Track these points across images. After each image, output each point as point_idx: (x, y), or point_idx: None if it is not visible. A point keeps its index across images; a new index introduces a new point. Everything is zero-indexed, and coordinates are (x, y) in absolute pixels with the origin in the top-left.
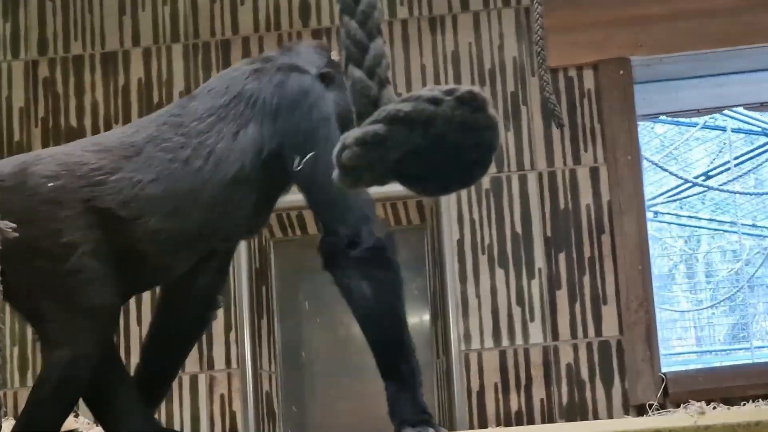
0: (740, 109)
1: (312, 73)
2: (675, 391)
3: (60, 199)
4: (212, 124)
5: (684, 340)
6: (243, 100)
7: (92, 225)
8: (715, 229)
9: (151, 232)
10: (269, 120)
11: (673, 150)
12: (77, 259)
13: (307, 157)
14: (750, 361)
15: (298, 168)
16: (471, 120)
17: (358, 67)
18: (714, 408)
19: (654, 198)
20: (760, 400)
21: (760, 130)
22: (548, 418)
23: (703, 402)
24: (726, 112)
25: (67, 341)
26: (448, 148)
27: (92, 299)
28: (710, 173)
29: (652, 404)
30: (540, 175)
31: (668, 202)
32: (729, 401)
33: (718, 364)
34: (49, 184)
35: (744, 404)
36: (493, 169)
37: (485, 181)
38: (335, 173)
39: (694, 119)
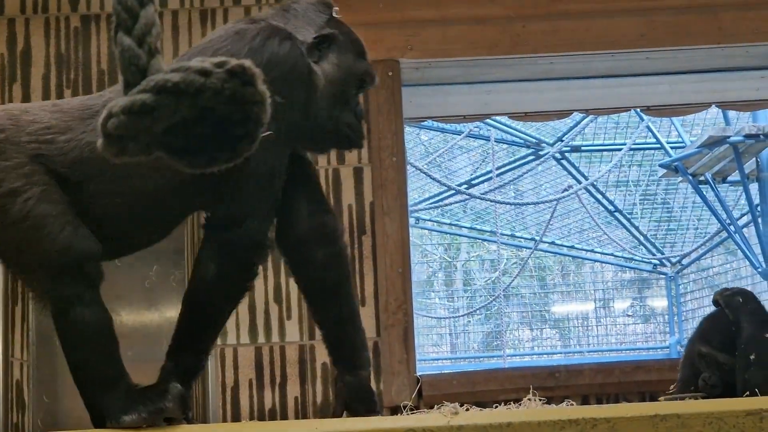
0: (504, 120)
1: (298, 38)
2: (429, 394)
3: (2, 150)
4: None
5: (440, 347)
6: None
7: (37, 174)
8: (475, 238)
9: (101, 195)
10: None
11: (437, 157)
12: (21, 206)
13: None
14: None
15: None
16: (240, 93)
17: (127, 35)
18: (467, 409)
19: (416, 204)
20: (512, 403)
21: (522, 141)
22: (302, 415)
23: (457, 403)
24: (490, 122)
25: (53, 290)
26: (215, 121)
27: (52, 241)
28: (473, 182)
29: (407, 405)
30: None
31: (430, 208)
32: (482, 404)
33: (471, 369)
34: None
35: (496, 407)
36: None
37: None
38: (99, 141)
39: (460, 127)
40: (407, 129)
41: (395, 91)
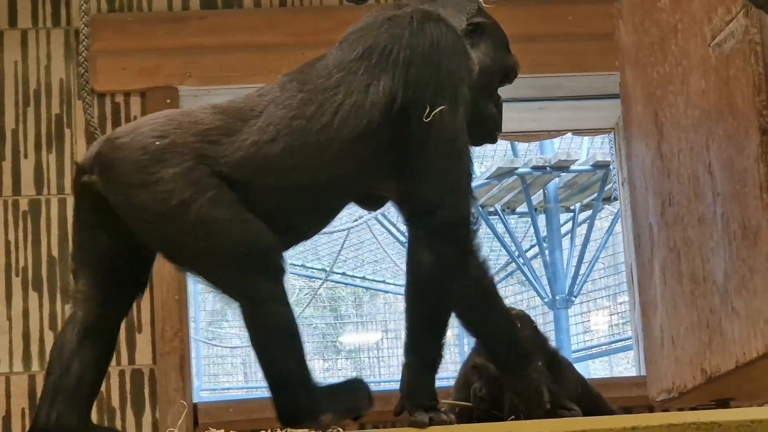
0: None
1: (450, 23)
2: (205, 422)
3: (166, 158)
4: (341, 80)
5: (233, 376)
6: (376, 52)
7: (205, 178)
8: None
9: (268, 191)
10: (402, 72)
11: None
12: (196, 214)
13: (437, 110)
14: None
15: (427, 120)
16: None
17: None
18: None
19: None
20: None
21: None
22: None
23: (222, 430)
24: None
25: (245, 292)
26: None
27: (234, 242)
28: None
29: None
30: None
31: None
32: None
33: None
34: (156, 143)
35: None
36: (32, 191)
37: (24, 204)
38: None
39: None
40: None
41: None
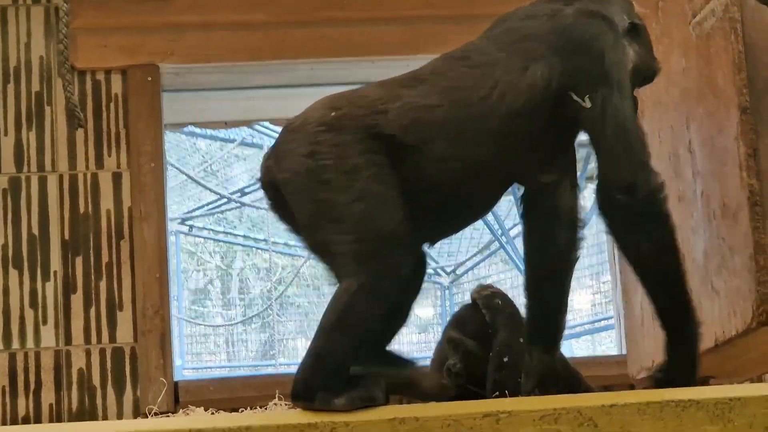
0: (276, 128)
1: (611, 20)
2: (186, 400)
3: (342, 125)
4: (499, 59)
5: (216, 355)
6: (535, 39)
7: (375, 150)
8: (249, 246)
9: (436, 158)
10: (559, 59)
11: (213, 165)
12: (362, 185)
13: (599, 97)
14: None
15: (589, 107)
16: None
17: None
18: (212, 413)
19: (191, 212)
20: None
21: None
22: (57, 423)
23: (202, 407)
24: (263, 130)
25: (355, 272)
26: None
27: (379, 225)
28: (246, 190)
29: (152, 409)
30: (61, 178)
31: (205, 215)
32: (237, 410)
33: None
34: (332, 114)
35: (242, 411)
36: (12, 168)
37: (3, 181)
38: None
39: (234, 135)
40: (183, 137)
41: (155, 96)
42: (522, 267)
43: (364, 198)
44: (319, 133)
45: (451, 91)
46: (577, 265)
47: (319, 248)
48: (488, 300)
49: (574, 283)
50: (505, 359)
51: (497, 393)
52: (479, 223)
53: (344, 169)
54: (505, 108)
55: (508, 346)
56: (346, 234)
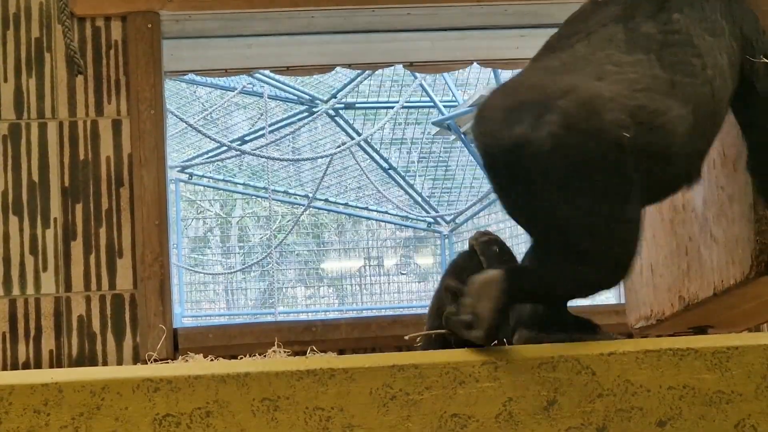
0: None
1: None
2: (186, 346)
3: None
4: (713, 43)
5: (216, 303)
6: (721, 23)
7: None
8: (248, 194)
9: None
10: (740, 37)
11: (213, 113)
12: (631, 206)
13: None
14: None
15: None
16: None
17: None
18: (211, 360)
19: (191, 160)
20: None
21: (295, 98)
22: (57, 368)
23: (201, 354)
24: (263, 78)
25: (606, 276)
26: None
27: (633, 249)
28: (246, 138)
29: (152, 356)
30: (61, 125)
31: (204, 163)
32: (236, 357)
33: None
34: (623, 133)
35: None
36: (12, 115)
37: (3, 128)
38: None
39: (234, 83)
40: (183, 85)
41: (154, 43)
42: None
43: (632, 220)
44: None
45: (695, 88)
46: None
47: (560, 237)
48: (485, 247)
49: None
50: None
51: (495, 342)
52: (479, 172)
53: (620, 188)
54: (723, 93)
55: None
56: (608, 245)
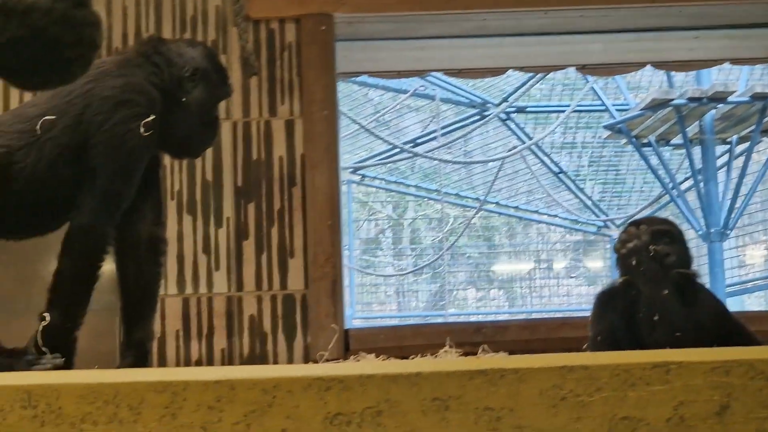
0: (451, 79)
1: None
2: (356, 347)
3: None
4: None
5: (386, 305)
6: None
7: None
8: (420, 196)
9: None
10: None
11: (385, 116)
12: None
13: None
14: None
15: None
16: (71, 15)
17: None
18: (384, 360)
19: (363, 161)
20: (429, 355)
21: (467, 101)
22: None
23: (373, 354)
24: (436, 81)
25: None
26: (47, 42)
27: None
28: (418, 141)
29: (323, 355)
30: (235, 125)
31: (376, 165)
32: (407, 358)
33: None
34: None
35: (412, 358)
36: None
37: None
38: None
39: (406, 86)
40: (355, 87)
41: (328, 45)
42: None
43: None
44: None
45: None
46: (750, 220)
47: None
48: (626, 258)
49: (746, 238)
50: (655, 318)
51: None
52: (650, 176)
53: None
54: None
55: (655, 303)
56: None
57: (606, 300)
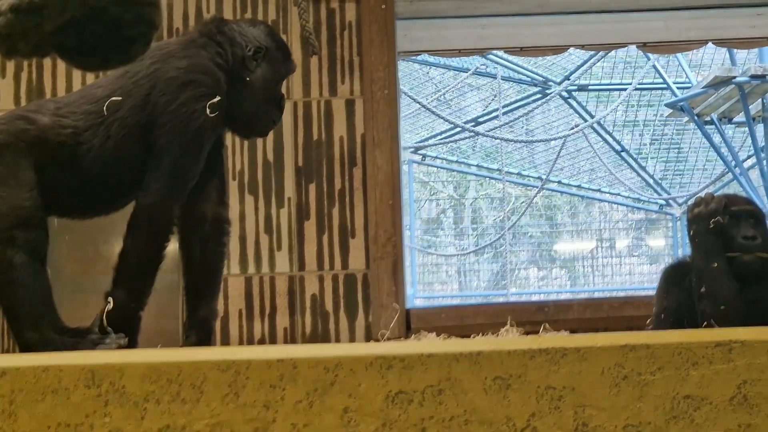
0: (513, 58)
1: None
2: (418, 326)
3: None
4: None
5: (447, 285)
6: None
7: None
8: (482, 176)
9: None
10: None
11: (446, 95)
12: None
13: None
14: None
15: None
16: None
17: None
18: (445, 339)
19: (424, 141)
20: (491, 334)
21: (529, 79)
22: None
23: (434, 333)
24: (497, 59)
25: None
26: (107, 22)
27: None
28: (480, 120)
29: (384, 334)
30: (295, 105)
31: (438, 144)
32: (468, 337)
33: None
34: None
35: (473, 337)
36: None
37: None
38: None
39: (467, 65)
40: (415, 66)
41: (388, 24)
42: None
43: None
44: None
45: None
46: None
47: None
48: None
49: None
50: (702, 290)
51: (705, 323)
52: (712, 154)
53: None
54: None
55: (703, 274)
56: None
57: (672, 276)
